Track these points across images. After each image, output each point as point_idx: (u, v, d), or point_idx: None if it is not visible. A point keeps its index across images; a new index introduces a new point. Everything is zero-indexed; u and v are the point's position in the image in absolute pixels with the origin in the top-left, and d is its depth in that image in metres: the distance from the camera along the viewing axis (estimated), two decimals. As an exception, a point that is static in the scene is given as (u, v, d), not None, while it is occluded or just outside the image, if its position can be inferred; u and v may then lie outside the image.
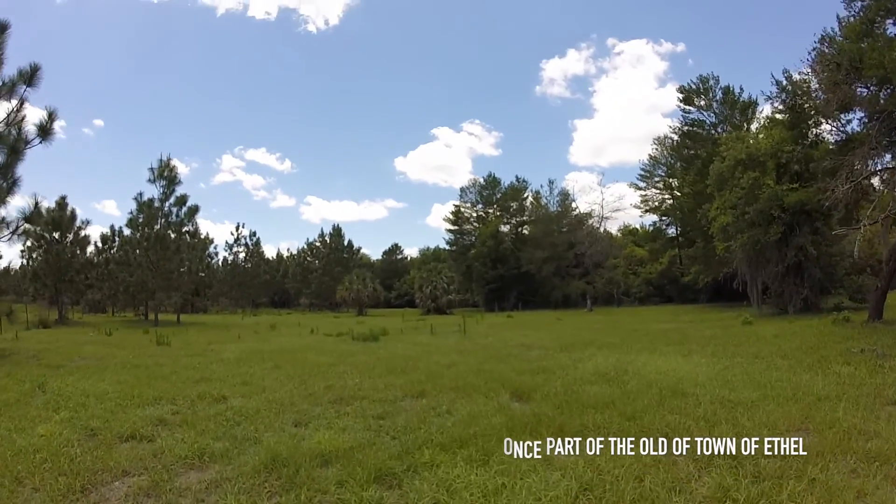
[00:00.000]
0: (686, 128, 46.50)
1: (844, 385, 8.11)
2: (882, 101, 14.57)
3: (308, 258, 75.76)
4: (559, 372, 10.11)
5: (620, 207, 76.60)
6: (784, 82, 18.80)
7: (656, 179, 59.84)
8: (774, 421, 6.16)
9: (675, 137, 50.35)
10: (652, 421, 6.21)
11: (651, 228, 66.64)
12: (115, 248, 38.51)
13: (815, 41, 16.28)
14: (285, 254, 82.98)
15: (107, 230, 40.67)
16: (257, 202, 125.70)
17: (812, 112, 17.53)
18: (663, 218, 61.39)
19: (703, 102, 44.19)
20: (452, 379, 9.73)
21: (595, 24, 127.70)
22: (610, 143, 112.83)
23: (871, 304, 16.45)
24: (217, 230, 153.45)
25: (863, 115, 16.29)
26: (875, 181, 15.78)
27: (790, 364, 10.36)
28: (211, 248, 56.76)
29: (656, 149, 59.21)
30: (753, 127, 36.89)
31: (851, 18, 14.91)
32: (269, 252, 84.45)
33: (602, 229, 60.23)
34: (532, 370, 10.43)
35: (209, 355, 14.63)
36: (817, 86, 16.86)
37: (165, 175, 34.73)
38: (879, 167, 13.84)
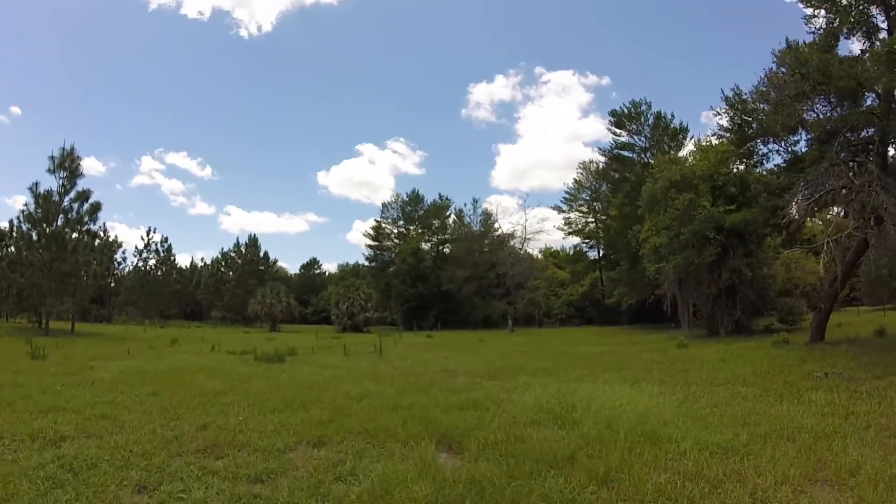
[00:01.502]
0: (616, 151, 46.72)
1: (831, 416, 7.09)
2: (842, 116, 14.11)
3: (222, 269, 70.81)
4: (493, 407, 8.21)
5: (542, 229, 76.94)
6: (732, 98, 18.30)
7: (580, 203, 60.46)
8: (785, 471, 4.81)
9: (602, 162, 50.85)
10: (637, 486, 4.40)
11: (573, 251, 67.23)
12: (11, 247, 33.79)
13: (775, 56, 15.75)
14: (199, 263, 77.52)
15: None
16: (175, 208, 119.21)
17: (759, 131, 17.04)
18: (586, 241, 62.02)
19: (634, 127, 44.50)
20: (363, 417, 7.65)
21: (524, 52, 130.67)
22: (531, 169, 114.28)
23: (813, 326, 15.82)
24: (133, 235, 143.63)
25: (809, 136, 15.87)
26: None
27: (756, 392, 9.15)
28: (119, 254, 51.91)
29: (581, 173, 60.02)
30: (682, 153, 37.17)
31: (812, 36, 14.51)
32: (185, 261, 78.89)
33: (524, 250, 59.99)
34: (461, 404, 8.46)
35: (83, 374, 12.29)
36: (766, 105, 16.30)
37: (67, 166, 30.41)
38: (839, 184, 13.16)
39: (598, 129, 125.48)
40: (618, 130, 45.82)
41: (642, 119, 44.26)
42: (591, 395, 8.99)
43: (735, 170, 24.27)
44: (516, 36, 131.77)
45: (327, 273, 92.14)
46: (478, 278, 56.45)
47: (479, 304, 57.24)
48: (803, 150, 16.41)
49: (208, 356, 18.60)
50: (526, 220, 62.31)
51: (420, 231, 67.72)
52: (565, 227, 61.92)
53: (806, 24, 14.48)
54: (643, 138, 44.58)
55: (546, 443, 5.88)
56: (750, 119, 17.79)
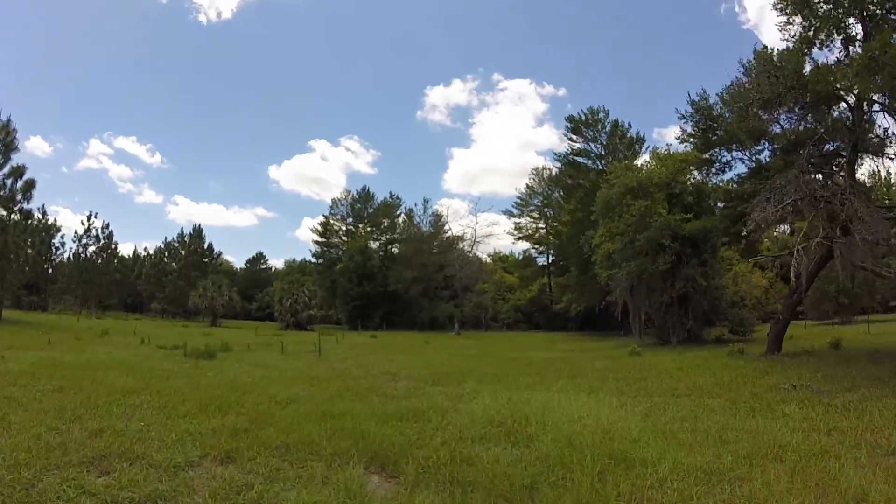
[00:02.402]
0: (571, 157, 46.55)
1: (813, 432, 6.44)
2: (808, 129, 13.83)
3: (165, 259, 67.05)
4: (436, 418, 7.16)
5: (492, 233, 76.03)
6: (699, 101, 17.96)
7: (531, 208, 60.16)
8: (785, 501, 4.13)
9: (555, 168, 50.58)
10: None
11: (522, 256, 66.96)
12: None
13: (747, 62, 15.42)
14: (143, 253, 73.28)
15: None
16: (122, 195, 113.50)
17: (724, 138, 16.73)
18: (536, 246, 61.79)
19: (590, 133, 44.40)
20: (285, 427, 6.53)
21: (483, 58, 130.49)
22: (483, 174, 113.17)
23: (770, 336, 15.46)
24: (77, 222, 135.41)
25: (774, 146, 15.59)
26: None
27: (723, 405, 8.49)
28: (58, 239, 48.27)
29: (534, 178, 59.65)
30: (638, 162, 37.12)
31: (787, 43, 14.16)
32: (129, 251, 74.45)
33: (473, 254, 59.19)
34: (399, 414, 7.37)
35: (-8, 365, 10.83)
36: (731, 113, 15.96)
37: (1, 139, 27.68)
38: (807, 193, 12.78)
39: (552, 139, 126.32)
40: (574, 137, 45.65)
41: (599, 126, 44.20)
42: (545, 405, 8.06)
43: (692, 178, 24.06)
44: (476, 41, 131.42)
45: (273, 269, 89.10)
46: (426, 280, 55.24)
47: (426, 306, 55.97)
48: (767, 159, 16.15)
49: (135, 350, 17.24)
50: (476, 224, 61.63)
51: (369, 229, 65.93)
52: (515, 232, 61.39)
53: (780, 31, 14.14)
54: (599, 145, 44.54)
55: (499, 466, 4.86)
56: (715, 125, 17.48)
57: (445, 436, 6.12)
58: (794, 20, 13.96)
